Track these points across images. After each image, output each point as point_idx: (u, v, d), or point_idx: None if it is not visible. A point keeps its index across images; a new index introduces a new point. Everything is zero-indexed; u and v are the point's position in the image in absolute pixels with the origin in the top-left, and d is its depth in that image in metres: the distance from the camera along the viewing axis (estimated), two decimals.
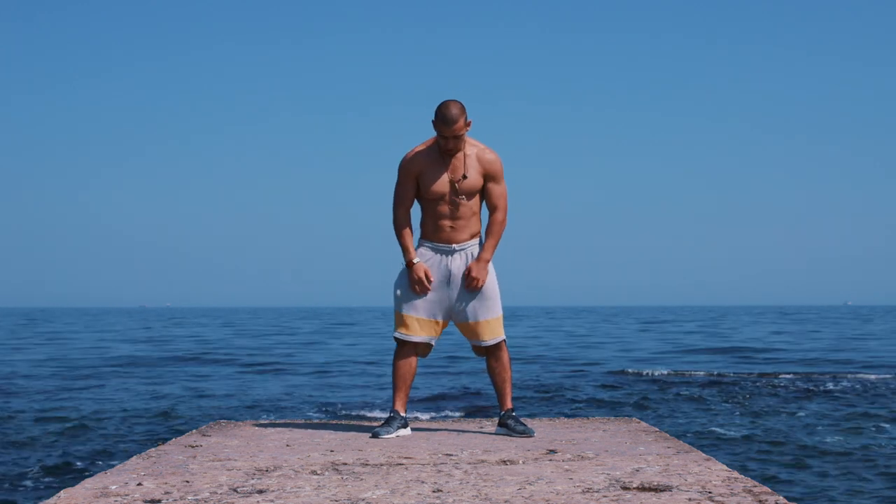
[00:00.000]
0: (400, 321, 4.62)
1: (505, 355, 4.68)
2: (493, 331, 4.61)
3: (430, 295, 4.60)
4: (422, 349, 4.68)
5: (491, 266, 4.66)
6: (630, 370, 19.39)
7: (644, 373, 18.74)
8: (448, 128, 4.45)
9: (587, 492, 3.08)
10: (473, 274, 4.56)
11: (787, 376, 17.80)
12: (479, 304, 4.59)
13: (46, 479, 7.78)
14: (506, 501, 2.96)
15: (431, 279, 4.59)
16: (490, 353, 4.67)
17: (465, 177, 4.54)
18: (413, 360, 4.66)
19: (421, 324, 4.60)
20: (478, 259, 4.60)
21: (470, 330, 4.63)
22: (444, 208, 4.58)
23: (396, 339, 4.64)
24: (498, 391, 4.69)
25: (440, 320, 4.64)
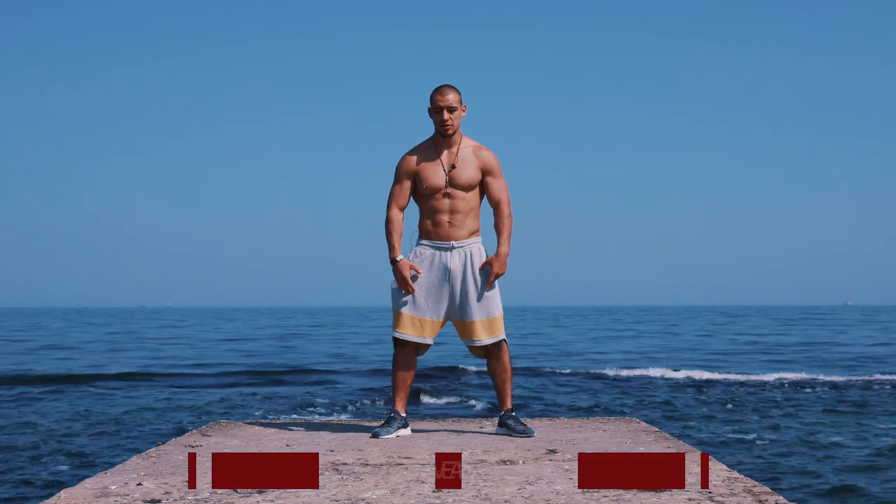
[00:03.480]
0: (399, 321, 4.58)
1: (505, 356, 4.65)
2: (494, 330, 4.59)
3: (429, 294, 4.57)
4: (420, 349, 4.66)
5: (488, 267, 4.64)
6: (630, 370, 19.39)
7: (644, 372, 18.74)
8: (442, 95, 4.51)
9: (587, 492, 3.08)
10: (496, 269, 4.56)
11: (790, 377, 17.81)
12: (479, 303, 4.56)
13: (46, 479, 7.78)
14: (506, 501, 2.96)
15: (419, 272, 4.56)
16: (490, 353, 4.64)
17: (453, 167, 4.55)
18: (412, 361, 4.64)
19: (422, 324, 4.57)
20: (497, 254, 4.59)
21: (469, 329, 4.59)
22: (442, 202, 4.57)
23: (396, 339, 4.62)
24: (498, 391, 4.68)
25: (440, 320, 4.61)
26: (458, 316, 4.60)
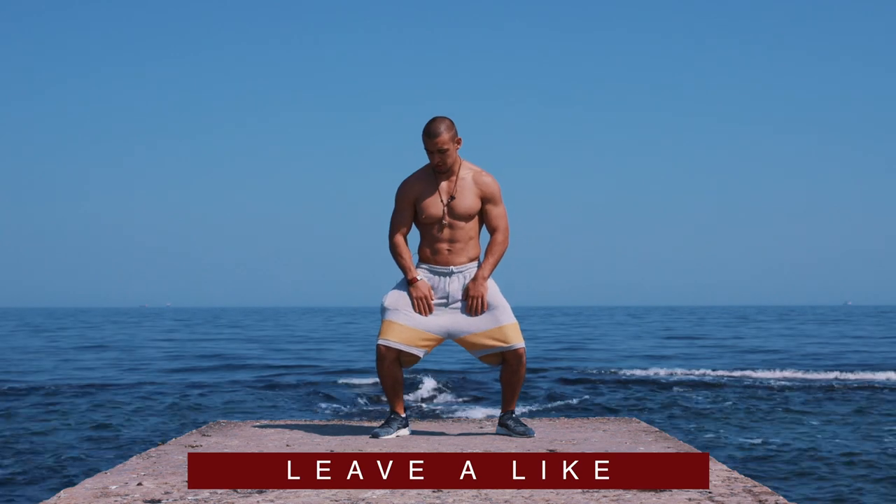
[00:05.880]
0: (385, 329, 4.49)
1: (522, 368, 4.54)
2: (504, 338, 4.48)
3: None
4: (406, 358, 4.54)
5: (492, 280, 4.61)
6: (629, 369, 19.40)
7: (644, 372, 18.74)
8: (431, 140, 4.44)
9: (587, 491, 3.08)
10: (472, 293, 4.50)
11: (789, 376, 17.80)
12: (488, 313, 4.51)
13: (46, 479, 7.78)
14: (506, 501, 2.96)
15: (433, 298, 4.53)
16: (507, 361, 4.53)
17: (452, 198, 4.50)
18: (396, 368, 4.52)
19: (406, 332, 4.48)
20: (474, 278, 4.54)
21: (482, 340, 4.50)
22: (441, 232, 4.54)
23: (378, 347, 4.51)
24: (505, 394, 4.63)
25: (432, 335, 4.52)
26: (465, 330, 4.52)
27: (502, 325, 4.50)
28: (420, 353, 4.53)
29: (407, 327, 4.49)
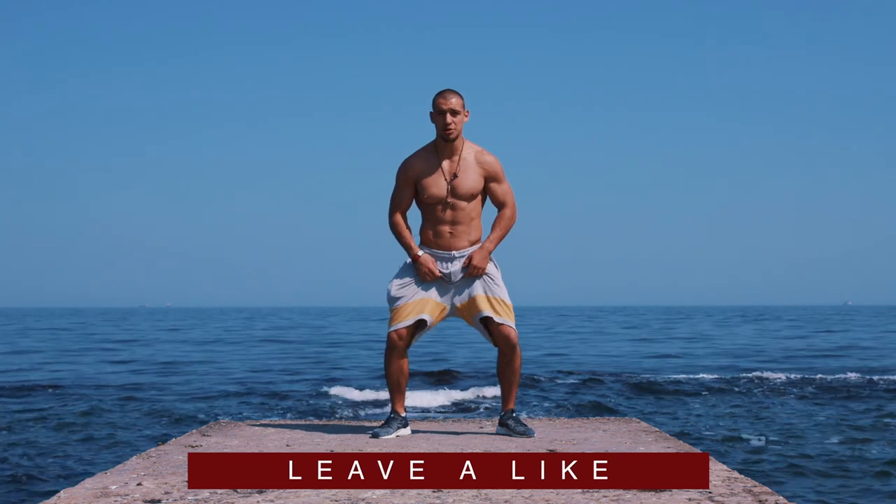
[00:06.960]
0: (396, 315, 4.52)
1: (517, 360, 4.57)
2: (501, 311, 4.49)
3: (429, 285, 4.54)
4: (415, 332, 4.55)
5: (496, 265, 4.62)
6: (630, 370, 19.40)
7: (644, 372, 18.74)
8: (446, 100, 4.44)
9: (587, 491, 3.08)
10: (475, 262, 4.50)
11: (789, 377, 17.80)
12: (487, 285, 4.53)
13: (47, 479, 7.78)
14: (506, 501, 2.96)
15: (437, 272, 4.53)
16: (503, 353, 4.55)
17: (455, 176, 4.49)
18: (404, 361, 4.55)
19: (411, 306, 4.49)
20: (480, 247, 4.55)
21: (477, 305, 4.50)
22: (443, 213, 4.53)
23: (389, 335, 4.52)
24: (504, 391, 4.65)
25: (438, 302, 4.54)
26: (465, 296, 4.53)
27: (498, 297, 4.52)
28: (427, 318, 4.52)
29: (412, 302, 4.51)
